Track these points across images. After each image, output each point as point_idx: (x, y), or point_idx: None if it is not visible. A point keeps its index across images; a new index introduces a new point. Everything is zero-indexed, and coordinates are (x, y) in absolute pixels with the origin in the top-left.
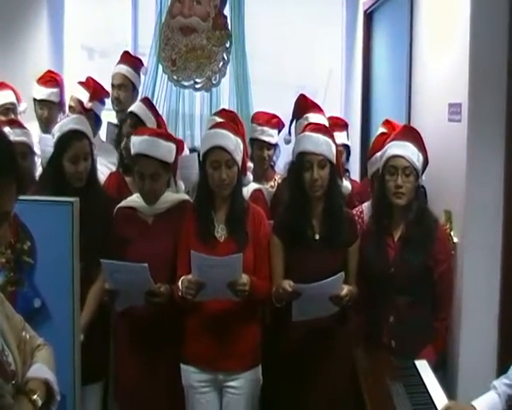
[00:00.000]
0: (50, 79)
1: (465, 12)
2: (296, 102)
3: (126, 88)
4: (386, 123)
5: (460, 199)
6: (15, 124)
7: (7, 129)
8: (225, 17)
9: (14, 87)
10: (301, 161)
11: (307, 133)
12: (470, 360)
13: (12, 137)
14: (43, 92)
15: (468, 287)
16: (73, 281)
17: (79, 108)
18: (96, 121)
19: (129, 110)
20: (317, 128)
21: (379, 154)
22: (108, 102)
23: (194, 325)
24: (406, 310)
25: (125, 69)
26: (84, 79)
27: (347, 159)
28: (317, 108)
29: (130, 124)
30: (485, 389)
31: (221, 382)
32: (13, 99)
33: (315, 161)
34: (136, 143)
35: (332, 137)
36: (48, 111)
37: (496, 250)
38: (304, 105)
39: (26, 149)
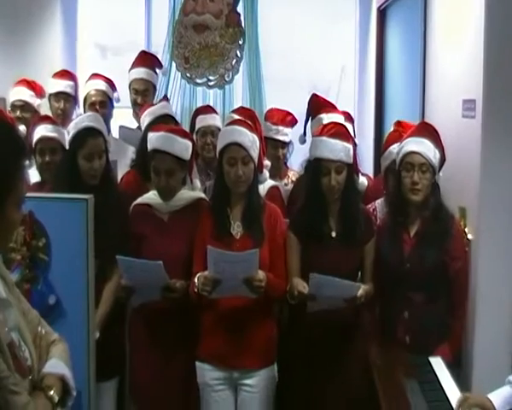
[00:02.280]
0: (66, 73)
1: (479, 8)
2: (309, 102)
3: (149, 92)
4: (398, 124)
5: (474, 196)
6: (48, 120)
7: (22, 127)
8: (238, 14)
9: (34, 82)
10: (318, 166)
11: (324, 138)
12: (485, 357)
13: (43, 132)
14: (59, 84)
15: (483, 284)
16: (88, 278)
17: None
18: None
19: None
20: (335, 132)
21: (392, 147)
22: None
23: (210, 323)
24: (421, 306)
25: (146, 73)
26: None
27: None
28: (330, 106)
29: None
30: (500, 386)
31: (236, 380)
32: (24, 97)
33: (332, 167)
34: (153, 138)
35: (349, 138)
36: (64, 103)
37: (510, 247)
38: (317, 104)
39: (57, 145)
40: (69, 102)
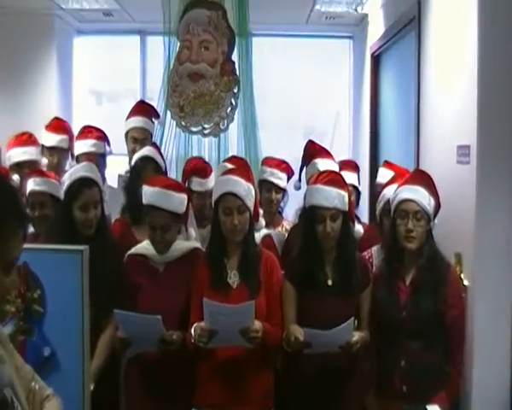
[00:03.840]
0: (59, 125)
1: (473, 55)
2: (305, 148)
3: (147, 141)
4: (386, 164)
5: (470, 241)
6: (36, 173)
7: (16, 177)
8: (233, 63)
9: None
10: (314, 213)
11: (319, 186)
12: (483, 405)
13: (32, 186)
14: (53, 139)
15: (480, 331)
16: (83, 329)
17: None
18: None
19: (145, 155)
20: (329, 180)
21: (386, 189)
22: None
23: (207, 371)
24: (418, 354)
25: (145, 122)
26: (92, 124)
27: (357, 203)
28: (325, 152)
29: (151, 168)
30: None
31: None
32: (33, 156)
33: (327, 214)
34: (148, 194)
35: (344, 186)
36: (58, 158)
37: (507, 293)
38: (313, 151)
39: (46, 199)
40: (63, 155)
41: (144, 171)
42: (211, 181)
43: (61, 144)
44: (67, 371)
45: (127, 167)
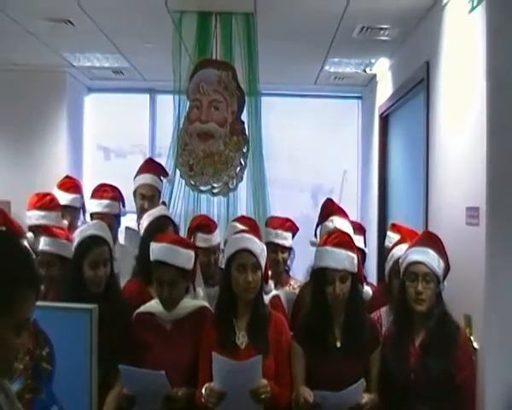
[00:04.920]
0: (71, 184)
1: (481, 116)
2: (323, 206)
3: (155, 198)
4: (394, 227)
5: (479, 303)
6: (46, 232)
7: (30, 235)
8: (243, 122)
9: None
10: (323, 275)
11: (329, 248)
12: None
13: (41, 246)
14: (66, 198)
15: (491, 393)
16: (91, 388)
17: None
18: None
19: (160, 215)
20: (339, 242)
21: (395, 249)
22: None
23: None
24: None
25: (154, 180)
26: (100, 180)
27: (362, 264)
28: (342, 212)
29: (170, 229)
30: None
31: None
32: (52, 222)
33: (337, 276)
34: (156, 249)
35: (353, 248)
36: (70, 217)
37: None
38: (330, 209)
39: (53, 259)
40: (75, 214)
41: (162, 231)
42: (215, 237)
43: (74, 203)
44: None
45: (134, 222)
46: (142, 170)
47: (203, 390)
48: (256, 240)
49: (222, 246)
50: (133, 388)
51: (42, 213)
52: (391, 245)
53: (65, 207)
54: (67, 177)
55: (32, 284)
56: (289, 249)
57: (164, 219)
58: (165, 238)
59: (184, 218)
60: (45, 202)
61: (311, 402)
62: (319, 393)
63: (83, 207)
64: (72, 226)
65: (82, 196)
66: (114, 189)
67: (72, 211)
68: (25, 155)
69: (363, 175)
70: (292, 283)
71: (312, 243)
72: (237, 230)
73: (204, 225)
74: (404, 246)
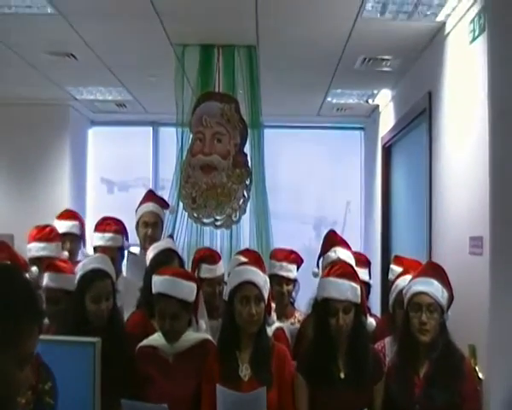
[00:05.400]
0: (70, 214)
1: (484, 147)
2: (325, 237)
3: (158, 226)
4: (397, 259)
5: (484, 333)
6: (51, 268)
7: (34, 268)
8: (245, 155)
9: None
10: (326, 306)
11: (332, 279)
12: None
13: (47, 282)
14: (65, 225)
15: None
16: None
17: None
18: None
19: (166, 248)
20: (342, 273)
21: (400, 280)
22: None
23: None
24: None
25: (156, 208)
26: (103, 213)
27: (367, 297)
28: (344, 244)
29: (176, 263)
30: None
31: None
32: (52, 253)
33: (340, 307)
34: (158, 282)
35: (356, 278)
36: (70, 243)
37: None
38: (333, 240)
39: (60, 295)
40: (75, 242)
41: (167, 264)
42: (220, 268)
43: (73, 230)
44: None
45: (138, 252)
46: (143, 200)
47: None
48: (259, 272)
49: (226, 278)
50: None
51: (42, 244)
52: (394, 278)
53: (64, 235)
54: (66, 209)
55: (36, 318)
56: (294, 281)
57: (169, 252)
58: (167, 271)
59: (187, 250)
60: (45, 234)
61: None
62: None
63: (82, 235)
64: (72, 254)
65: (81, 224)
66: (118, 222)
67: (72, 238)
68: (28, 189)
69: (366, 206)
70: (297, 315)
71: (315, 274)
72: (240, 262)
73: (208, 256)
74: (408, 277)
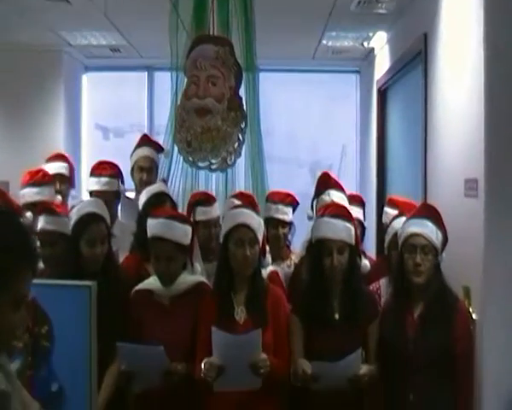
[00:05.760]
0: (59, 155)
1: (479, 88)
2: (319, 179)
3: (153, 170)
4: (390, 201)
5: (478, 275)
6: (46, 211)
7: (29, 214)
8: (240, 98)
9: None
10: (320, 246)
11: (326, 219)
12: None
13: (42, 225)
14: (54, 166)
15: (489, 364)
16: (91, 364)
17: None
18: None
19: (161, 190)
20: (336, 212)
21: (394, 222)
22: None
23: (215, 406)
24: (426, 388)
25: (151, 152)
26: (99, 159)
27: (362, 238)
28: (338, 186)
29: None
30: None
31: None
32: (46, 197)
33: (334, 247)
34: (152, 225)
35: (351, 219)
36: (60, 184)
37: None
38: (326, 182)
39: (56, 238)
40: (64, 183)
41: (160, 207)
42: (215, 210)
43: (62, 171)
44: (75, 406)
45: (133, 194)
46: (138, 145)
47: (202, 365)
48: (254, 215)
49: (221, 221)
50: (132, 364)
51: (35, 189)
52: (388, 221)
53: (53, 176)
54: (56, 152)
55: (30, 260)
56: (290, 224)
57: (162, 195)
58: (161, 214)
59: (183, 195)
60: (38, 178)
61: (310, 374)
62: (317, 364)
63: (71, 177)
64: (63, 195)
65: (70, 166)
66: (113, 166)
67: (62, 179)
68: (22, 135)
69: (362, 149)
70: (293, 257)
71: (309, 217)
72: (235, 205)
73: (203, 198)
74: (403, 219)
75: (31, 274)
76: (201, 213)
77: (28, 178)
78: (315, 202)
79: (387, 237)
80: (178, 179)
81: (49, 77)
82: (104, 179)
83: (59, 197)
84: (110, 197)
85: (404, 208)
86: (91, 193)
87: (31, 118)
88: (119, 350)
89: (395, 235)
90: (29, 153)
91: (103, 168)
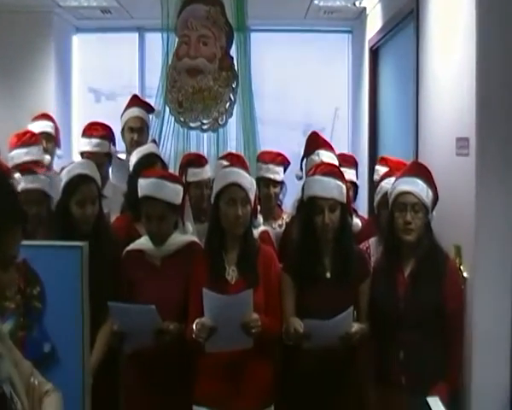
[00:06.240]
0: (44, 115)
1: (471, 48)
2: (308, 139)
3: (143, 131)
4: (382, 160)
5: (469, 233)
6: (28, 170)
7: (17, 175)
8: (231, 58)
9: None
10: (312, 205)
11: (317, 177)
12: (482, 395)
13: (23, 185)
14: (39, 125)
15: (479, 322)
16: (83, 325)
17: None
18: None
19: (151, 152)
20: (328, 171)
21: (384, 182)
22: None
23: (206, 366)
24: (417, 346)
25: (141, 112)
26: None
27: (354, 198)
28: (328, 145)
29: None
30: None
31: None
32: (34, 156)
33: (326, 205)
34: (143, 185)
35: (342, 177)
36: (46, 142)
37: (506, 284)
38: (315, 142)
39: (40, 196)
40: (50, 141)
41: (150, 168)
42: (206, 171)
43: (47, 129)
44: (67, 367)
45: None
46: (128, 105)
47: (194, 325)
48: (245, 174)
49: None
50: (123, 324)
51: (24, 149)
52: (379, 178)
53: (39, 134)
54: (42, 113)
55: (17, 218)
56: (281, 183)
57: (152, 156)
58: (152, 173)
59: (174, 157)
60: (25, 139)
61: (302, 333)
62: (309, 322)
63: (56, 136)
64: (48, 154)
65: (55, 125)
66: (105, 127)
67: (47, 137)
68: (13, 98)
69: (354, 111)
70: (284, 217)
71: (298, 177)
72: (225, 165)
73: (194, 159)
74: (393, 179)
75: (19, 234)
76: (193, 175)
77: (16, 140)
78: (304, 162)
79: (377, 197)
80: (170, 141)
81: (39, 38)
82: (95, 140)
83: (47, 156)
84: (101, 159)
85: (394, 167)
86: (82, 154)
87: (21, 81)
88: (110, 310)
89: (385, 195)
90: (19, 115)
91: (94, 129)
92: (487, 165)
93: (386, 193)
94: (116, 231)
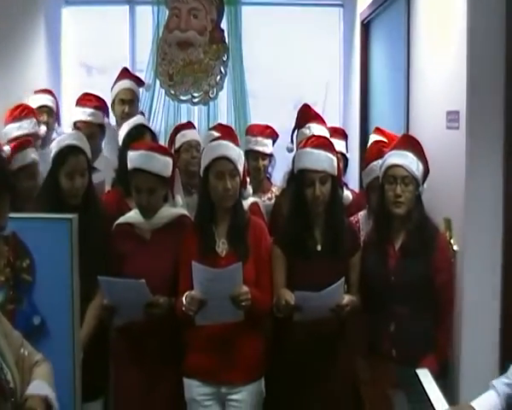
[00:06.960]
0: (46, 90)
1: (462, 21)
2: (299, 112)
3: (134, 103)
4: (377, 130)
5: (459, 207)
6: (19, 147)
7: (6, 148)
8: (222, 31)
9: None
10: (303, 177)
11: (308, 149)
12: (472, 368)
13: (14, 163)
14: (41, 98)
15: (469, 295)
16: (73, 298)
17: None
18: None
19: (140, 123)
20: (319, 143)
21: (374, 164)
22: None
23: (197, 339)
24: (407, 319)
25: (132, 85)
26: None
27: (344, 170)
28: (319, 118)
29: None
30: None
31: (224, 395)
32: (26, 130)
33: (316, 177)
34: (133, 157)
35: (333, 150)
36: (46, 116)
37: (496, 257)
38: (306, 115)
39: (31, 170)
40: (51, 115)
41: (140, 140)
42: (194, 133)
43: (48, 103)
44: (57, 340)
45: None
46: (118, 78)
47: (183, 299)
48: (233, 146)
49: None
50: (114, 298)
51: (16, 124)
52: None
53: (40, 107)
54: (44, 88)
55: (6, 190)
56: (270, 156)
57: (141, 127)
58: (141, 146)
59: (165, 130)
60: (17, 113)
61: (293, 304)
62: (300, 294)
63: (57, 113)
64: (48, 128)
65: (56, 102)
66: (99, 99)
67: (48, 111)
68: (2, 73)
69: (346, 85)
70: (274, 189)
71: (289, 149)
72: (214, 138)
73: (183, 125)
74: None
75: (7, 205)
76: (181, 137)
77: (8, 115)
78: (295, 135)
79: (367, 179)
80: (161, 114)
81: (28, 11)
82: (89, 110)
83: (43, 127)
84: (94, 129)
85: (389, 138)
86: (75, 124)
87: (10, 54)
88: (100, 284)
89: (375, 179)
90: (10, 90)
91: (88, 100)
92: (477, 138)
93: (377, 177)
94: (107, 205)
